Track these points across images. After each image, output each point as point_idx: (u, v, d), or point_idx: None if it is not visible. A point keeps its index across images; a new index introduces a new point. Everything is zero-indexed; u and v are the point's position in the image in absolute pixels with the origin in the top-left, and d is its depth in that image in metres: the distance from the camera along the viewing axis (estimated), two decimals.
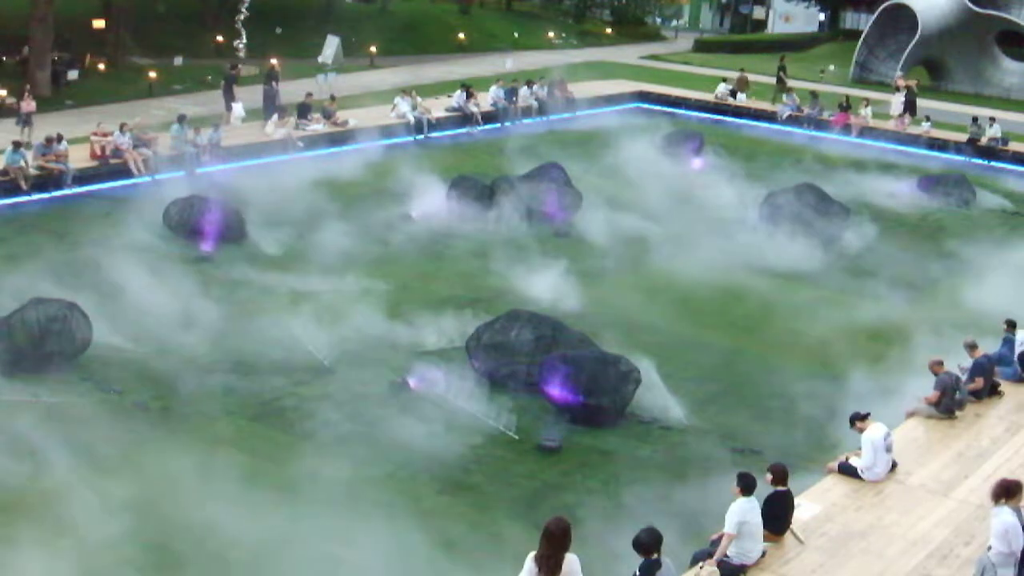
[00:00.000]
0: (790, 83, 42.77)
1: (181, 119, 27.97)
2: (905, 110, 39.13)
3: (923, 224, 28.67)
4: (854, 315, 21.40)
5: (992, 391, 16.00)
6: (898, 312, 21.43)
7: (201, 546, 12.07)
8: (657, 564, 10.24)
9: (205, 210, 22.84)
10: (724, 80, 42.88)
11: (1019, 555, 10.68)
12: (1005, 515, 10.67)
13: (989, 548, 10.82)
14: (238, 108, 32.16)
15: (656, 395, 16.51)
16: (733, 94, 41.59)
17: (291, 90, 36.74)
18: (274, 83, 32.90)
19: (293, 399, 16.22)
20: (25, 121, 29.05)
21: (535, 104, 37.54)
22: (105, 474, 13.67)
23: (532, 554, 9.74)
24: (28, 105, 29.71)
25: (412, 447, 15.00)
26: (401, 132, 33.26)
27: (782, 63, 44.97)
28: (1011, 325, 17.10)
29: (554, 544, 9.63)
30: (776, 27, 77.22)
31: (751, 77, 44.46)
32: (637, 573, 10.25)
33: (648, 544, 10.24)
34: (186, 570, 11.88)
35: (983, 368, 15.85)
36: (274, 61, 34.63)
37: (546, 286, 20.50)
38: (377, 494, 13.83)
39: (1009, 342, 16.94)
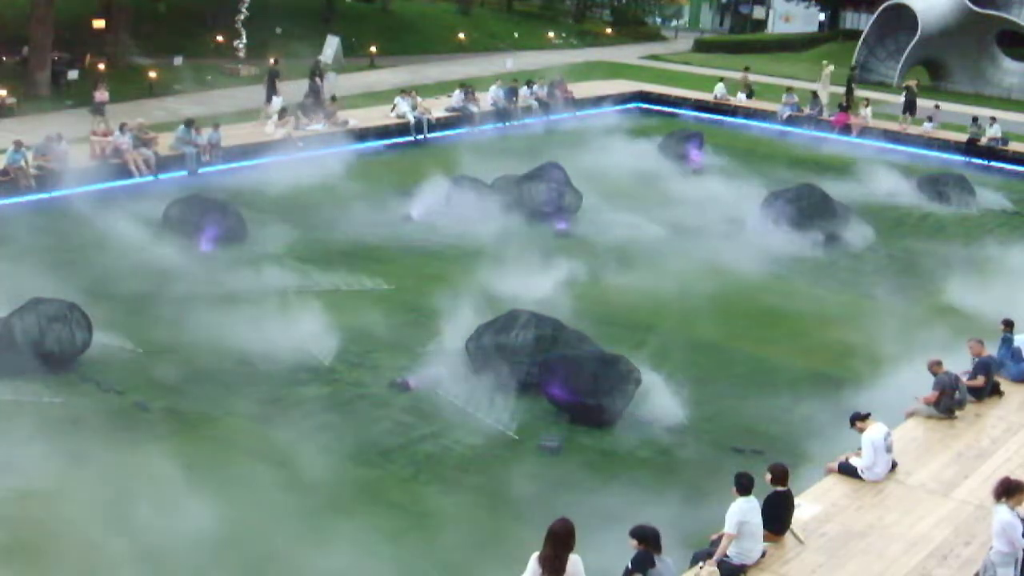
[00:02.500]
0: (790, 83, 42.71)
1: (189, 123, 27.96)
2: (906, 110, 39.15)
3: (923, 224, 28.68)
4: (854, 315, 21.41)
5: (993, 391, 16.01)
6: (898, 312, 21.42)
7: (200, 546, 12.06)
8: (650, 558, 10.30)
9: (205, 210, 22.84)
10: (722, 80, 42.88)
11: (1020, 555, 10.68)
12: (1003, 514, 10.67)
13: (991, 548, 10.84)
14: (277, 102, 32.59)
15: (656, 395, 16.51)
16: (749, 95, 41.46)
17: (291, 90, 36.77)
18: (318, 79, 33.54)
19: (293, 399, 16.22)
20: (98, 110, 30.09)
21: (535, 104, 37.53)
22: (106, 474, 13.68)
23: (536, 554, 9.76)
24: (102, 95, 30.71)
25: (412, 447, 15.02)
26: (401, 132, 33.25)
27: (853, 73, 44.10)
28: (1009, 325, 17.10)
29: (558, 545, 9.66)
30: (776, 27, 77.24)
31: (751, 77, 44.44)
32: (629, 566, 10.31)
33: (642, 535, 10.37)
34: (186, 571, 11.88)
35: (987, 367, 15.86)
36: (320, 58, 36.82)
37: (546, 286, 20.49)
38: (378, 494, 13.84)
39: (1008, 342, 16.95)
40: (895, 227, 27.88)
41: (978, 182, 31.60)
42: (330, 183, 27.43)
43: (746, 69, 43.95)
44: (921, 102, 39.76)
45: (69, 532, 12.35)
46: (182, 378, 16.56)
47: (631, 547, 10.51)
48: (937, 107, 38.68)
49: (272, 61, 35.75)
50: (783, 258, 24.32)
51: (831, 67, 43.15)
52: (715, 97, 41.56)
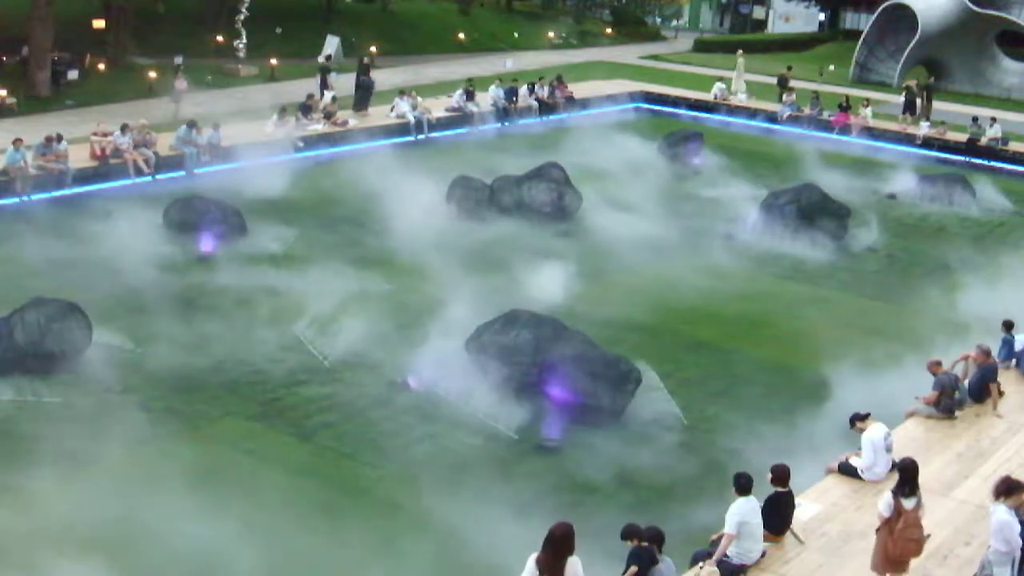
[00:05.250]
0: (790, 83, 42.70)
1: (191, 124, 27.97)
2: (905, 110, 39.16)
3: (923, 224, 28.69)
4: (854, 315, 21.43)
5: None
6: (898, 312, 21.43)
7: (200, 546, 12.06)
8: (651, 554, 10.32)
9: (205, 210, 22.84)
10: (720, 80, 42.85)
11: (1017, 554, 10.66)
12: (1002, 513, 10.65)
13: (989, 547, 10.83)
14: (328, 96, 33.77)
15: (656, 395, 16.52)
16: (784, 85, 41.48)
17: (291, 90, 36.84)
18: (367, 75, 34.67)
19: (293, 399, 16.23)
20: (176, 99, 31.73)
21: (535, 104, 37.53)
22: (106, 474, 13.68)
23: (534, 556, 9.75)
24: (180, 84, 32.39)
25: (412, 447, 15.02)
26: (401, 132, 33.25)
27: (928, 82, 43.38)
28: (1008, 326, 17.08)
29: (556, 548, 9.64)
30: (776, 27, 77.23)
31: (750, 77, 44.41)
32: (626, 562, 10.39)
33: (635, 533, 10.47)
34: (185, 571, 11.88)
35: (993, 373, 15.82)
36: (366, 56, 37.98)
37: (546, 286, 20.50)
38: (377, 494, 13.84)
39: (1008, 343, 16.94)
40: (895, 227, 27.88)
41: (978, 182, 31.59)
42: (329, 183, 27.43)
43: (788, 69, 43.94)
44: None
45: (68, 532, 12.35)
46: (182, 378, 16.56)
47: (630, 546, 10.54)
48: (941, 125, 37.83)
49: (324, 58, 38.06)
50: (783, 258, 24.32)
51: (743, 58, 44.20)
52: (714, 96, 41.56)
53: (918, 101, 39.52)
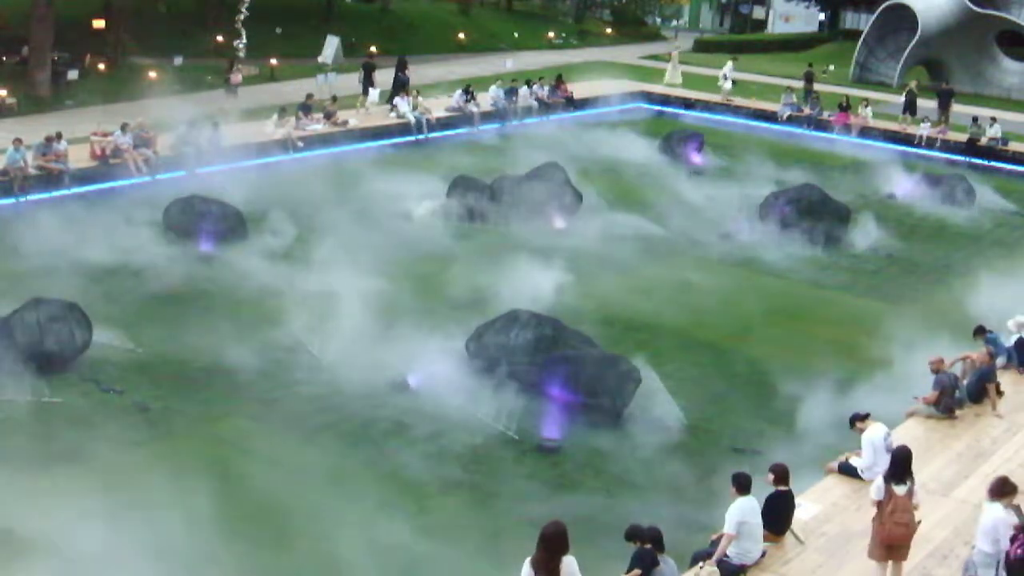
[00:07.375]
0: (790, 83, 42.68)
1: (190, 123, 27.96)
2: (906, 110, 39.16)
3: (923, 224, 28.68)
4: (854, 315, 21.43)
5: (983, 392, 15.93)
6: (898, 312, 21.42)
7: (198, 548, 12.06)
8: (652, 556, 10.33)
9: (205, 210, 22.84)
10: (735, 81, 42.82)
11: (1002, 557, 10.62)
12: (996, 512, 10.64)
13: (973, 547, 10.81)
14: (374, 94, 35.08)
15: (656, 395, 16.51)
16: (811, 82, 41.69)
17: (291, 90, 36.80)
18: (404, 72, 35.79)
19: (293, 399, 16.22)
20: (231, 91, 32.64)
21: (535, 104, 37.53)
22: (105, 474, 13.68)
23: (529, 559, 9.72)
24: (236, 77, 33.45)
25: (412, 447, 15.01)
26: (401, 132, 33.25)
27: (948, 87, 42.76)
28: (981, 331, 16.91)
29: (550, 548, 9.61)
30: (776, 27, 77.24)
31: (750, 77, 44.36)
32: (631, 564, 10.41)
33: (637, 534, 10.48)
34: (184, 571, 11.88)
35: (991, 374, 15.80)
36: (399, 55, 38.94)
37: (546, 286, 20.49)
38: (377, 494, 13.84)
39: (994, 342, 16.88)
40: (895, 227, 27.85)
41: (978, 182, 31.59)
42: (329, 183, 27.40)
43: (811, 65, 43.91)
44: (921, 102, 39.77)
45: (67, 531, 12.34)
46: (182, 378, 16.57)
47: (632, 547, 10.54)
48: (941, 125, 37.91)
49: (368, 55, 38.99)
50: (783, 258, 24.31)
51: (678, 51, 46.46)
52: (722, 78, 41.57)
53: (917, 102, 39.48)
